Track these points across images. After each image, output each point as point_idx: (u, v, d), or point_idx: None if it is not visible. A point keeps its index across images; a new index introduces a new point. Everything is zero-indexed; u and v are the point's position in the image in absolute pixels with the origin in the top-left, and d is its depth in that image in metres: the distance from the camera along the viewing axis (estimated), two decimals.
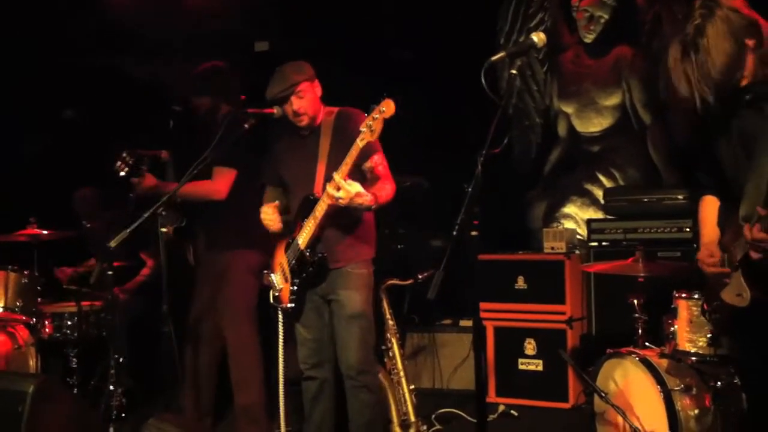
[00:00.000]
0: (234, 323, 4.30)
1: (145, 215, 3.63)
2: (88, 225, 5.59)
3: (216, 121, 4.25)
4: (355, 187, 3.32)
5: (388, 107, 3.21)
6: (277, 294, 3.69)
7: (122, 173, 4.19)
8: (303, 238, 3.54)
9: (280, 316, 3.71)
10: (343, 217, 3.54)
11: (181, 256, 5.03)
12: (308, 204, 3.53)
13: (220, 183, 4.19)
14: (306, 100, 3.59)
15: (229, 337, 4.31)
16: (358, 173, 3.51)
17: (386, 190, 3.52)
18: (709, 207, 2.97)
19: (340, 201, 3.32)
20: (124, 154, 4.20)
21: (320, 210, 3.45)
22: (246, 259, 4.29)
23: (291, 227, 3.66)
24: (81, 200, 5.62)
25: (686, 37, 2.61)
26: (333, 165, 3.48)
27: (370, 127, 3.23)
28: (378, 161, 3.57)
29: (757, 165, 2.62)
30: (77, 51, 6.07)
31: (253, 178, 4.20)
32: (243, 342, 4.32)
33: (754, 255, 2.60)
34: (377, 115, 3.22)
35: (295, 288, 3.60)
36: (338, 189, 3.29)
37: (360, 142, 3.28)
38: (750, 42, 2.61)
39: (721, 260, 2.79)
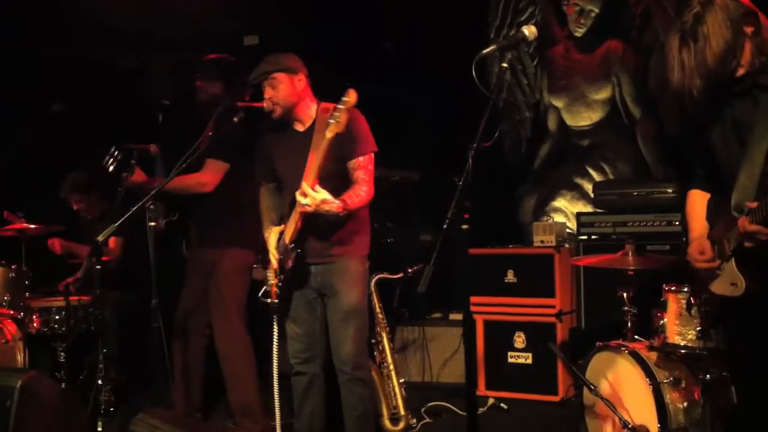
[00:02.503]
0: (224, 321, 4.28)
1: (133, 209, 3.61)
2: (75, 207, 5.53)
3: (212, 113, 4.23)
4: (322, 194, 3.35)
5: (350, 97, 3.30)
6: (268, 289, 3.69)
7: (111, 168, 4.17)
8: (288, 234, 3.55)
9: (271, 312, 3.71)
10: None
11: (173, 249, 5.01)
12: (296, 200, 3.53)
13: (208, 175, 4.16)
14: (279, 91, 3.59)
15: (220, 334, 4.29)
16: (342, 168, 3.52)
17: (360, 196, 3.51)
18: (697, 201, 2.97)
19: (307, 208, 3.36)
20: (113, 150, 4.18)
21: (298, 207, 3.44)
22: (236, 256, 4.28)
23: (285, 223, 3.65)
24: (71, 180, 5.58)
25: (685, 26, 2.62)
26: (326, 161, 3.48)
27: (336, 118, 3.29)
28: (362, 163, 3.56)
29: (750, 153, 2.63)
30: (64, 44, 6.03)
31: (247, 176, 4.18)
32: (235, 339, 4.31)
33: (748, 244, 2.62)
34: (342, 106, 3.29)
35: (280, 284, 3.60)
36: (305, 196, 3.32)
37: (329, 134, 3.31)
38: (748, 29, 2.61)
39: (712, 255, 2.80)
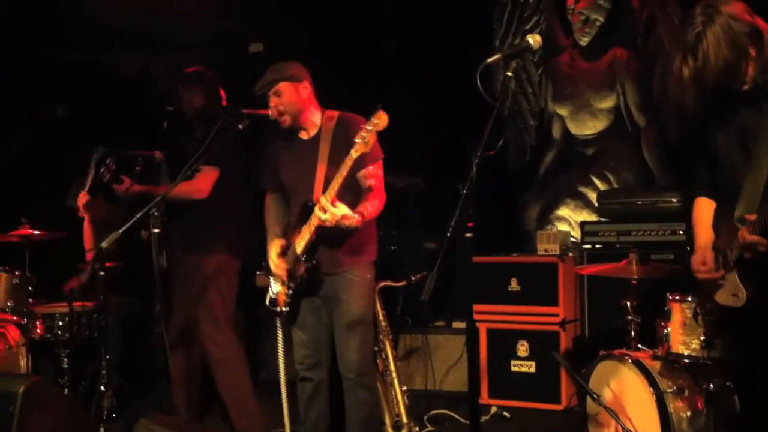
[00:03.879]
0: (214, 326, 4.28)
1: (137, 216, 3.62)
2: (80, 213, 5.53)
3: (207, 124, 4.24)
4: (342, 209, 3.35)
5: (381, 120, 3.26)
6: (273, 297, 3.68)
7: (105, 179, 4.19)
8: (300, 244, 3.55)
9: (278, 320, 3.71)
10: None
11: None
12: (307, 210, 3.53)
13: (202, 182, 4.17)
14: (284, 99, 3.61)
15: (212, 339, 4.28)
16: (351, 180, 3.51)
17: (374, 205, 3.53)
18: (704, 209, 2.97)
19: (327, 223, 3.36)
20: (108, 161, 4.19)
21: (315, 220, 3.45)
22: (221, 261, 4.28)
23: (291, 231, 3.66)
24: (77, 188, 5.57)
25: (687, 45, 2.62)
26: (333, 170, 3.49)
27: (363, 139, 3.27)
28: (372, 171, 3.57)
29: (756, 163, 2.63)
30: (64, 45, 6.04)
31: (235, 181, 4.19)
32: (226, 343, 4.32)
33: (748, 256, 2.62)
34: (370, 127, 3.26)
35: (290, 292, 3.60)
36: (324, 211, 3.32)
37: (354, 154, 3.30)
38: (752, 51, 2.62)
39: (714, 265, 2.80)
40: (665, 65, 2.72)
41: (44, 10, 5.78)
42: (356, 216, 3.41)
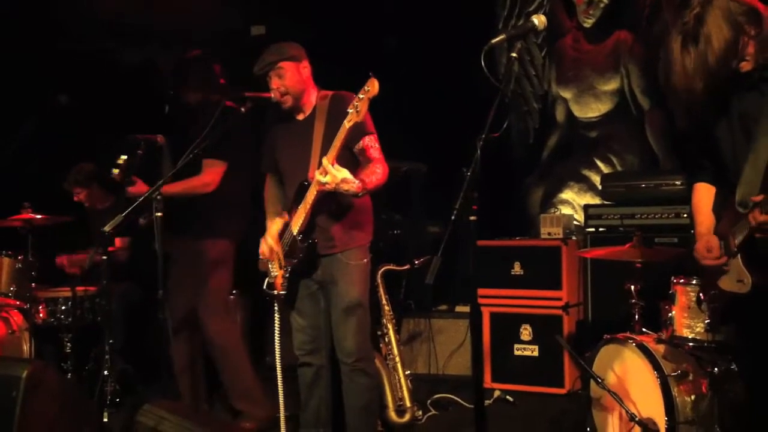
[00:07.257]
0: (213, 313, 4.29)
1: (140, 200, 3.62)
2: (76, 199, 5.53)
3: (209, 111, 4.22)
4: (343, 173, 3.30)
5: (372, 87, 3.24)
6: (271, 281, 3.67)
7: (118, 179, 4.18)
8: (296, 224, 3.53)
9: (276, 304, 3.69)
10: (338, 202, 3.51)
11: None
12: (303, 190, 3.51)
13: (210, 176, 4.17)
14: (286, 80, 3.57)
15: (211, 327, 4.29)
16: (350, 155, 3.49)
17: (376, 174, 3.46)
18: (704, 194, 2.95)
19: (326, 186, 3.31)
20: (120, 161, 4.17)
21: (311, 195, 3.43)
22: (221, 247, 4.28)
23: (288, 214, 3.64)
24: (74, 172, 5.56)
25: (686, 27, 2.61)
26: (327, 149, 3.45)
27: (356, 108, 3.25)
28: (369, 143, 3.53)
29: (756, 146, 2.61)
30: (71, 36, 6.03)
31: (237, 169, 4.18)
32: (225, 330, 4.33)
33: (759, 235, 2.60)
34: (362, 95, 3.25)
35: (287, 275, 3.58)
36: (325, 174, 3.28)
37: (347, 124, 3.29)
38: (751, 30, 2.60)
39: (719, 253, 2.78)
40: (665, 55, 2.71)
41: (44, 4, 5.77)
42: (357, 181, 3.35)
